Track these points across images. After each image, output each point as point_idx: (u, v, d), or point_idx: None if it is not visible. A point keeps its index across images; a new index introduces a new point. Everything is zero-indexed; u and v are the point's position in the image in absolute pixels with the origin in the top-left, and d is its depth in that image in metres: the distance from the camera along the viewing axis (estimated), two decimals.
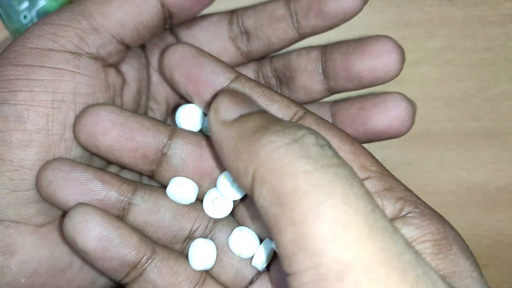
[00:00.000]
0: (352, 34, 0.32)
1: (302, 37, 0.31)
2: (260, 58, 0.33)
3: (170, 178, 0.26)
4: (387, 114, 0.30)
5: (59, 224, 0.26)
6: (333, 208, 0.18)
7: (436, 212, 0.23)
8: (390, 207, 0.23)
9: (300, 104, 0.26)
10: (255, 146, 0.19)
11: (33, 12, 0.33)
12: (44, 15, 0.32)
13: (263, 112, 0.22)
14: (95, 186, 0.25)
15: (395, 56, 0.29)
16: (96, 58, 0.26)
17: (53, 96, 0.25)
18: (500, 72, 0.35)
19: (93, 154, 0.26)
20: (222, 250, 0.27)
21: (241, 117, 0.22)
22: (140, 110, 0.30)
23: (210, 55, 0.26)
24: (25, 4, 0.33)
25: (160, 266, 0.26)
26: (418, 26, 0.35)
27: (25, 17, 0.33)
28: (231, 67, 0.27)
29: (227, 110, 0.22)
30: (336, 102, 0.32)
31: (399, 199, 0.23)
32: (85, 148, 0.26)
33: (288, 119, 0.25)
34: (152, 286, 0.26)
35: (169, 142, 0.26)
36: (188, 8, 0.28)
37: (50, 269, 0.26)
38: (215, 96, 0.26)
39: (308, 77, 0.31)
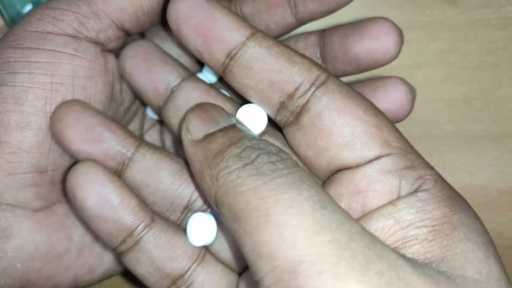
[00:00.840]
0: None
1: (300, 22, 0.30)
2: None
3: (173, 117, 0.27)
4: (385, 98, 0.30)
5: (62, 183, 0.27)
6: (280, 214, 0.19)
7: (453, 193, 0.23)
8: (407, 187, 0.22)
9: (321, 65, 0.25)
10: (215, 170, 0.21)
11: None
12: None
13: (225, 130, 0.23)
14: (100, 133, 0.26)
15: (392, 37, 0.28)
16: (96, 42, 0.27)
17: (52, 79, 0.25)
18: (503, 75, 0.35)
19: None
20: (223, 225, 0.27)
21: (206, 137, 0.22)
22: None
23: (224, 7, 0.24)
24: (28, 8, 0.33)
25: (158, 237, 0.26)
26: (421, 29, 0.35)
27: None
28: (247, 21, 0.25)
29: (195, 128, 0.23)
30: None
31: (418, 178, 0.22)
32: (58, 143, 0.26)
33: (309, 84, 0.24)
34: (148, 257, 0.25)
35: (181, 83, 0.27)
36: None
37: (47, 254, 0.26)
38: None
39: None
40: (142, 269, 0.26)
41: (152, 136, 0.32)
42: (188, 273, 0.26)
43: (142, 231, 0.25)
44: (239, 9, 0.31)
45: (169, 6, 0.24)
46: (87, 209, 0.24)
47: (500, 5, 0.35)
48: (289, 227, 0.18)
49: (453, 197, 0.22)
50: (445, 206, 0.22)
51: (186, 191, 0.27)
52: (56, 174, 0.26)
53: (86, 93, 0.26)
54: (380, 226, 0.21)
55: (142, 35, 0.31)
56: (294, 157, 0.25)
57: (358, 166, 0.23)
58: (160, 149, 0.27)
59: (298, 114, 0.24)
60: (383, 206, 0.22)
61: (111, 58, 0.27)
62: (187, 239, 0.26)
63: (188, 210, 0.27)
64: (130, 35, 0.28)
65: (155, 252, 0.25)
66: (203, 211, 0.27)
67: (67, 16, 0.26)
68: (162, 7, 0.28)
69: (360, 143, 0.23)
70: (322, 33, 0.31)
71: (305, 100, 0.24)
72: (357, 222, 0.20)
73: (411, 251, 0.21)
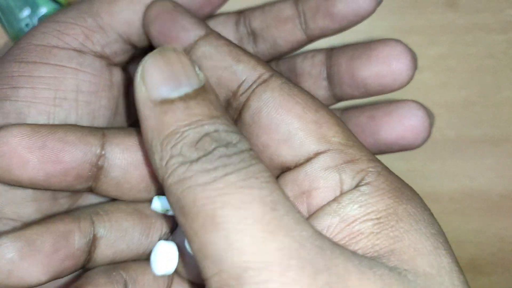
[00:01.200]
0: (357, 40, 0.32)
1: (310, 39, 0.30)
2: (268, 61, 0.32)
3: (112, 192, 0.25)
4: (400, 124, 0.28)
5: None
6: (228, 216, 0.18)
7: (398, 183, 0.22)
8: (349, 182, 0.22)
9: (269, 65, 0.25)
10: (167, 153, 0.20)
11: (35, 20, 0.33)
12: None
13: (187, 101, 0.21)
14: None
15: (404, 61, 0.27)
16: (101, 56, 0.26)
17: (55, 94, 0.25)
18: (502, 79, 0.35)
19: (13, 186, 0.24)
20: (183, 250, 0.26)
21: (163, 103, 0.21)
22: None
23: (186, 11, 0.26)
24: (26, 12, 0.33)
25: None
26: (420, 33, 0.35)
27: (26, 25, 0.33)
28: (206, 23, 0.26)
29: (153, 84, 0.21)
30: (346, 109, 0.31)
31: (360, 171, 0.22)
32: (2, 182, 0.24)
33: (251, 82, 0.24)
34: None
35: (103, 152, 0.24)
36: (197, 9, 0.28)
37: None
38: None
39: (313, 83, 0.31)
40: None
41: None
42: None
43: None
44: (248, 24, 0.31)
45: (144, 10, 0.26)
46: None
47: (500, 9, 0.35)
48: (236, 231, 0.18)
49: (398, 188, 0.22)
50: (389, 198, 0.21)
51: (155, 235, 0.27)
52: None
53: (90, 108, 0.26)
54: (326, 224, 0.21)
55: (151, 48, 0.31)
56: None
57: (298, 165, 0.23)
58: (114, 208, 0.26)
59: (240, 112, 0.24)
60: (327, 204, 0.22)
61: (117, 72, 0.27)
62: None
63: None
64: (138, 49, 0.28)
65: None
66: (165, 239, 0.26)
67: (73, 30, 0.26)
68: None
69: (297, 140, 0.23)
70: (330, 52, 0.30)
71: (246, 97, 0.24)
72: (309, 224, 0.19)
73: (359, 246, 0.20)
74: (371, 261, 0.19)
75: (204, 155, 0.20)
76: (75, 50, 0.26)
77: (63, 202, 0.27)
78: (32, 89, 0.25)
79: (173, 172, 0.20)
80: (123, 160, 0.25)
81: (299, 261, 0.18)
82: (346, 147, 0.23)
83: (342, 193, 0.22)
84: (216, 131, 0.21)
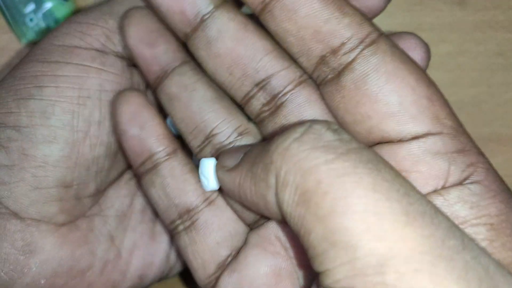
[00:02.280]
0: None
1: None
2: None
3: (203, 49, 0.25)
4: None
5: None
6: (362, 197, 0.16)
7: (505, 187, 0.20)
8: (457, 174, 0.20)
9: (375, 24, 0.23)
10: (268, 157, 0.19)
11: (39, 15, 0.32)
12: (50, 18, 0.32)
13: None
14: (156, 37, 0.26)
15: (419, 53, 0.26)
16: (122, 57, 0.26)
17: (79, 92, 0.25)
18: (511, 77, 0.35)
19: None
20: None
21: (245, 154, 0.21)
22: None
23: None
24: (30, 7, 0.33)
25: (174, 167, 0.26)
26: (429, 30, 0.35)
27: (31, 20, 0.32)
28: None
29: (230, 160, 0.22)
30: None
31: (470, 165, 0.20)
32: None
33: (358, 41, 0.21)
34: (161, 182, 0.25)
35: (213, 10, 0.24)
36: None
37: (70, 270, 0.26)
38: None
39: None
40: (154, 192, 0.26)
41: None
42: (195, 210, 0.25)
43: (162, 158, 0.25)
44: None
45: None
46: (120, 123, 0.25)
47: (509, 7, 0.35)
48: (375, 214, 0.16)
49: (506, 190, 0.20)
50: (500, 202, 0.19)
51: (211, 120, 0.25)
52: (81, 189, 0.26)
53: None
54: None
55: None
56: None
57: (401, 141, 0.21)
58: (202, 74, 0.26)
59: (340, 73, 0.22)
60: (428, 195, 0.20)
61: (136, 73, 0.27)
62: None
63: (208, 142, 0.25)
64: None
65: (169, 179, 0.25)
66: (220, 147, 0.25)
67: (94, 31, 0.26)
68: None
69: (408, 115, 0.21)
70: None
71: (351, 58, 0.21)
72: (445, 215, 0.17)
73: None
74: (504, 267, 0.17)
75: (307, 131, 0.18)
76: (97, 50, 0.26)
77: (87, 202, 0.27)
78: (56, 88, 0.25)
79: (283, 161, 0.18)
80: (224, 25, 0.24)
81: (449, 252, 0.16)
82: (458, 133, 0.21)
83: (445, 186, 0.20)
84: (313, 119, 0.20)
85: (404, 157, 0.21)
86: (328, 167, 0.17)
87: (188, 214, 0.25)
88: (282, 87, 0.24)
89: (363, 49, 0.21)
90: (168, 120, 0.28)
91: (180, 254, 0.28)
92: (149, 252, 0.28)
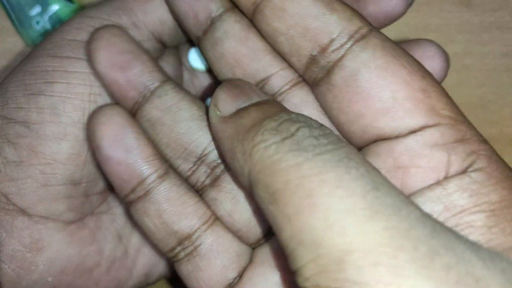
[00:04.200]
0: None
1: None
2: None
3: (210, 50, 0.25)
4: None
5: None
6: (326, 195, 0.17)
7: (509, 173, 0.20)
8: (458, 163, 0.20)
9: (366, 19, 0.22)
10: (248, 145, 0.19)
11: (45, 18, 0.32)
12: (56, 20, 0.32)
13: (260, 105, 0.21)
14: (129, 60, 0.24)
15: (439, 62, 0.25)
16: None
17: (90, 89, 0.25)
18: None
19: None
20: (236, 195, 0.24)
21: (238, 112, 0.21)
22: None
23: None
24: (36, 10, 0.33)
25: (170, 190, 0.24)
26: (436, 31, 0.35)
27: (37, 22, 0.32)
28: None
29: (225, 103, 0.21)
30: None
31: (471, 153, 0.20)
32: None
33: (347, 37, 0.21)
34: (157, 209, 0.24)
35: (222, 14, 0.24)
36: None
37: (78, 268, 0.25)
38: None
39: None
40: (149, 222, 0.24)
41: None
42: (197, 233, 0.24)
43: (154, 181, 0.24)
44: None
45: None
46: (102, 148, 0.24)
47: None
48: (337, 210, 0.16)
49: (510, 178, 0.19)
50: (503, 189, 0.19)
51: (202, 139, 0.24)
52: (89, 186, 0.26)
53: None
54: (427, 212, 0.18)
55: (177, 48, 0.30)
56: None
57: (398, 137, 0.20)
58: (185, 91, 0.25)
59: (329, 71, 0.22)
60: (428, 187, 0.19)
61: None
62: (199, 198, 0.25)
63: (201, 161, 0.24)
64: (167, 48, 0.28)
65: (165, 205, 0.24)
66: (216, 166, 0.25)
67: None
68: None
69: (402, 110, 0.20)
70: None
71: (340, 55, 0.21)
72: (417, 205, 0.17)
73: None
74: (488, 251, 0.17)
75: (289, 136, 0.18)
76: None
77: (95, 200, 0.27)
78: (67, 84, 0.24)
79: (260, 159, 0.18)
80: (230, 26, 0.24)
81: (411, 242, 0.16)
82: (457, 122, 0.20)
83: (447, 177, 0.20)
84: (295, 116, 0.19)
85: (402, 152, 0.20)
86: (297, 168, 0.17)
87: (189, 239, 0.24)
88: (279, 87, 0.24)
89: (352, 45, 0.21)
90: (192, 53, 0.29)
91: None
92: (155, 250, 0.28)
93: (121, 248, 0.27)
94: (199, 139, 0.24)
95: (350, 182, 0.17)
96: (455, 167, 0.20)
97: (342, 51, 0.21)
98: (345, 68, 0.21)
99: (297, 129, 0.18)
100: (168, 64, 0.28)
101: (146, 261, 0.28)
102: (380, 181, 0.17)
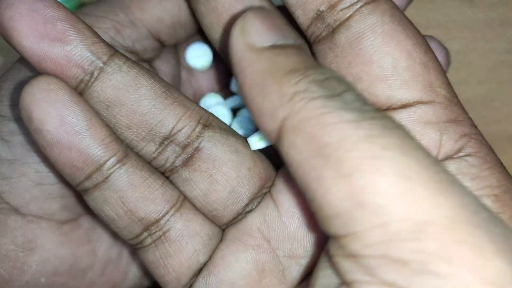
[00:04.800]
0: None
1: None
2: None
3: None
4: None
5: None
6: (392, 160, 0.15)
7: (499, 159, 0.20)
8: (449, 144, 0.19)
9: None
10: (289, 90, 0.17)
11: None
12: None
13: (299, 49, 0.19)
14: (64, 30, 0.20)
15: (439, 59, 0.24)
16: (131, 52, 0.26)
17: None
18: None
19: None
20: (214, 164, 0.23)
21: (274, 47, 0.18)
22: None
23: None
24: None
25: (132, 174, 0.22)
26: (438, 28, 0.35)
27: None
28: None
29: (257, 33, 0.19)
30: None
31: (463, 135, 0.19)
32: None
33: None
34: (118, 197, 0.22)
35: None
36: None
37: (71, 269, 0.25)
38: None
39: None
40: (110, 211, 0.22)
41: None
42: (165, 218, 0.22)
43: (113, 167, 0.21)
44: None
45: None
46: (46, 132, 0.20)
47: None
48: (408, 178, 0.15)
49: (500, 163, 0.19)
50: (499, 173, 0.19)
51: (170, 118, 0.22)
52: None
53: None
54: None
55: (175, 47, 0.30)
56: None
57: (389, 109, 0.20)
58: (139, 64, 0.22)
59: (335, 30, 0.21)
60: None
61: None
62: (165, 180, 0.23)
63: (169, 141, 0.22)
64: (165, 47, 0.28)
65: (128, 191, 0.22)
66: (187, 144, 0.23)
67: (104, 24, 0.25)
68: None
69: (400, 80, 0.20)
70: None
71: (348, 14, 0.20)
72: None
73: None
74: None
75: (337, 95, 0.17)
76: None
77: None
78: None
79: (304, 108, 0.16)
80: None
81: (484, 222, 0.15)
82: (451, 103, 0.20)
83: (440, 158, 0.19)
84: (338, 77, 0.18)
85: None
86: (354, 126, 0.16)
87: (157, 224, 0.22)
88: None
89: (361, 6, 0.20)
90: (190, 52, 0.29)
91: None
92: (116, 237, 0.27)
93: (115, 250, 0.27)
94: (165, 118, 0.22)
95: (414, 152, 0.16)
96: (447, 147, 0.19)
97: (350, 11, 0.20)
98: (351, 28, 0.20)
99: (345, 91, 0.17)
100: (166, 63, 0.28)
101: (141, 263, 0.27)
102: (434, 157, 0.16)
